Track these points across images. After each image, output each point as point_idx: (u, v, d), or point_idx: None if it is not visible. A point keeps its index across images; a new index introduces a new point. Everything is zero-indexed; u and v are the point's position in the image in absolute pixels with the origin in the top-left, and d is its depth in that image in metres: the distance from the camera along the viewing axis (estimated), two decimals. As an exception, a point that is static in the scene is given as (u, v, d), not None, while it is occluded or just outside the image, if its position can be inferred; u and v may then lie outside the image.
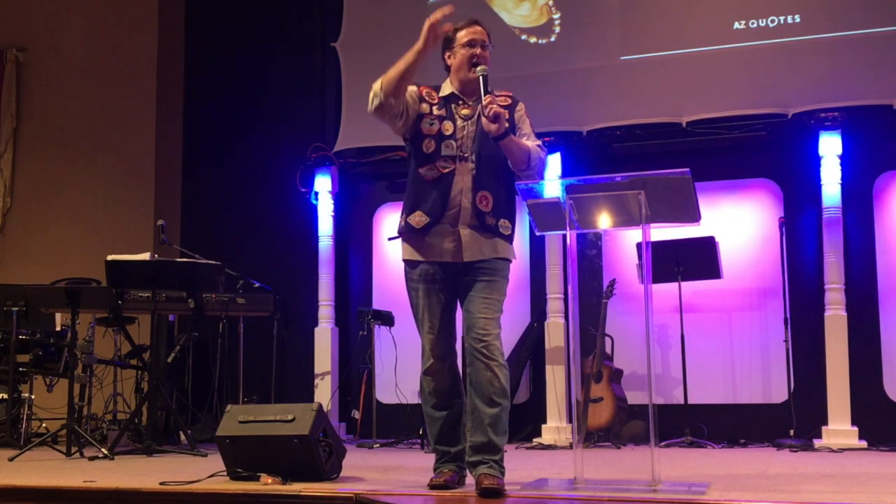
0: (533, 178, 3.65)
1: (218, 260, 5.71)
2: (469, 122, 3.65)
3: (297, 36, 7.88)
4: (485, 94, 3.52)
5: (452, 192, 3.58)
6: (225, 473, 3.92)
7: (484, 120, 3.51)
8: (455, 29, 3.67)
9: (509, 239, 3.67)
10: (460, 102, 3.69)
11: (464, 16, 3.69)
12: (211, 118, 8.03)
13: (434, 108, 3.67)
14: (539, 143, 3.74)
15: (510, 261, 3.69)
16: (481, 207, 3.57)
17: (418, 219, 3.59)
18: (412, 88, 3.66)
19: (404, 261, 3.72)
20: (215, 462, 4.24)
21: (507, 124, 3.52)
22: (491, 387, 3.50)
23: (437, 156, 3.60)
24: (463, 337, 3.69)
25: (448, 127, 3.63)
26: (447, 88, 3.73)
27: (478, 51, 3.63)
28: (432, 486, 3.62)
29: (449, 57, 3.72)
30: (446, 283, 3.65)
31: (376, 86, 3.58)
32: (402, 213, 3.69)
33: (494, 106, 3.47)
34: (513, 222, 3.69)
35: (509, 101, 3.72)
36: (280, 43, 7.89)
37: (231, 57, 8.03)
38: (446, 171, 3.59)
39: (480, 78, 3.56)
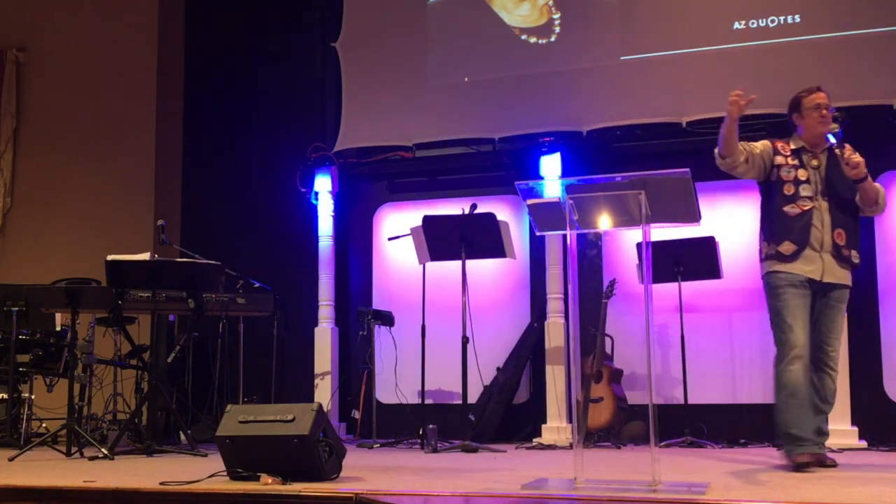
0: (877, 213, 4.54)
1: (218, 260, 5.70)
2: (818, 170, 4.41)
3: (297, 36, 7.88)
4: (839, 147, 4.33)
5: (814, 225, 4.32)
6: (225, 473, 3.91)
7: (845, 167, 4.29)
8: (800, 96, 4.52)
9: (856, 266, 4.41)
10: (809, 154, 4.45)
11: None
12: (211, 118, 8.04)
13: (788, 158, 4.44)
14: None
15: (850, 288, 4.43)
16: (838, 241, 4.34)
17: (787, 247, 4.34)
18: (766, 143, 4.49)
19: (772, 273, 4.37)
20: (215, 462, 4.24)
21: (865, 170, 4.30)
22: (827, 389, 4.42)
23: (797, 197, 4.36)
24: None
25: (802, 174, 4.40)
26: (796, 143, 4.50)
27: (824, 112, 4.44)
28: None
29: (797, 118, 4.52)
30: (807, 295, 4.35)
31: (716, 151, 4.41)
32: (769, 242, 4.41)
33: (855, 156, 4.29)
34: (859, 251, 4.41)
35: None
36: (280, 43, 7.89)
37: (231, 57, 8.04)
38: (806, 208, 4.34)
39: (832, 136, 4.35)
